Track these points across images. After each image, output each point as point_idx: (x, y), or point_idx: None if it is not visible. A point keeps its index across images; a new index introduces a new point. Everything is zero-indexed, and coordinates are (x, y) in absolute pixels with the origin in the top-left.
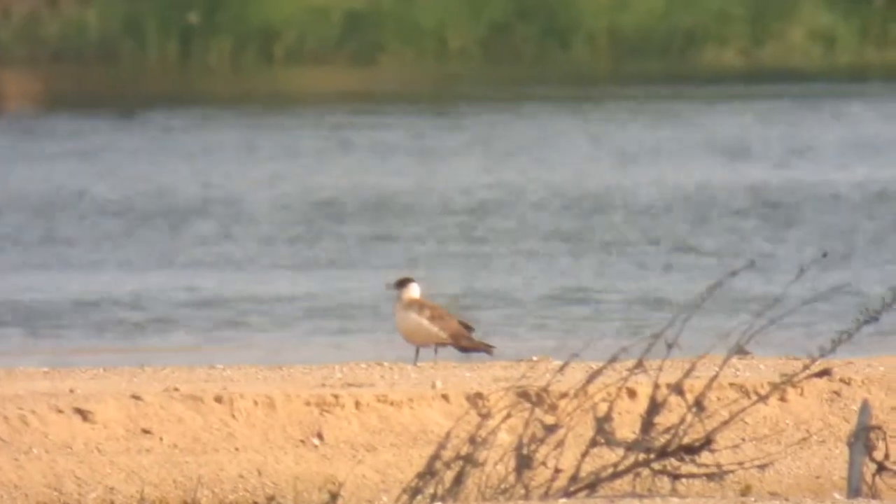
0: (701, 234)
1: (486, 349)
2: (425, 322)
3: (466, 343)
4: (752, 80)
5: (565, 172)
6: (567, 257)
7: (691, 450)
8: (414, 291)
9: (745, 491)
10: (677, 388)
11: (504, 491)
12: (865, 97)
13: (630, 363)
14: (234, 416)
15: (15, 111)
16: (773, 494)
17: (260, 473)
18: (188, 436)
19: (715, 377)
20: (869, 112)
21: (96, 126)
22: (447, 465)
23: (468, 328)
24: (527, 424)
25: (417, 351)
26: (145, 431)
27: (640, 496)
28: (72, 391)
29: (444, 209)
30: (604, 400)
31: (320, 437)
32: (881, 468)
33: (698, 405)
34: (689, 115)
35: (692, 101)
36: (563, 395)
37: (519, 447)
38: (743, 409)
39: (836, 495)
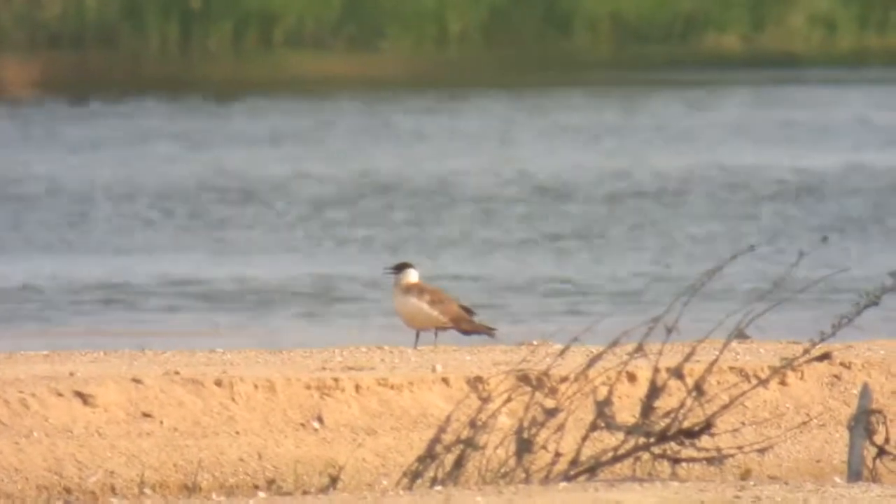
0: (702, 218)
1: (488, 332)
2: (425, 306)
3: (467, 326)
4: (753, 65)
5: (565, 159)
6: (568, 242)
7: (691, 434)
8: (412, 276)
9: (745, 475)
10: (677, 372)
11: (504, 475)
12: (866, 83)
13: (630, 347)
14: (234, 400)
15: (14, 96)
16: (773, 478)
17: (260, 457)
18: (188, 419)
19: (715, 361)
20: (870, 97)
21: (96, 111)
22: (447, 449)
23: (469, 312)
24: (527, 408)
25: (417, 335)
26: (146, 415)
27: (641, 480)
28: (72, 374)
29: (444, 194)
30: (604, 384)
31: (320, 420)
32: (881, 452)
33: (698, 389)
34: (690, 99)
35: (693, 86)
36: (564, 379)
37: (519, 431)
38: (743, 394)
39: (837, 479)
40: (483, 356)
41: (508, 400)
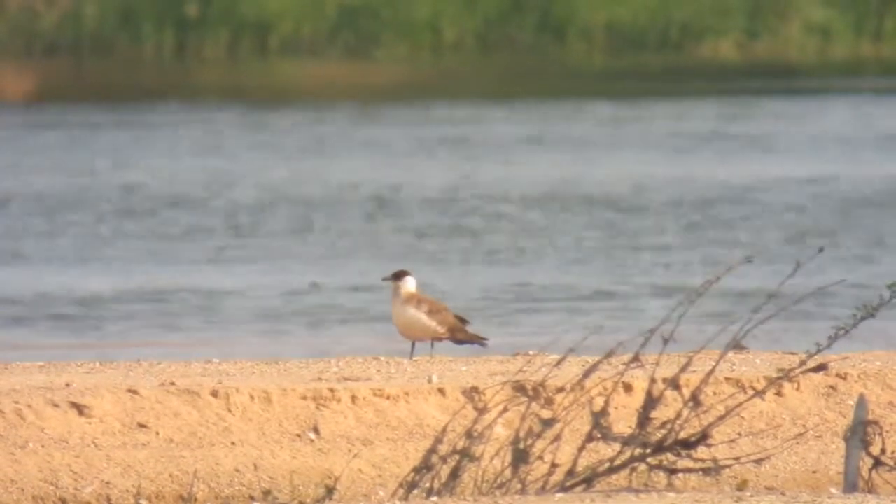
0: (696, 228)
1: (480, 342)
2: (424, 317)
3: (462, 336)
4: (748, 73)
5: (559, 168)
6: (563, 252)
7: (687, 444)
8: (410, 285)
9: (742, 486)
10: (673, 383)
11: (500, 485)
12: (861, 91)
13: (626, 357)
14: (230, 411)
15: (10, 104)
16: (770, 489)
17: (256, 468)
18: (184, 430)
19: (711, 372)
20: (865, 106)
21: (91, 119)
22: (443, 460)
23: (463, 321)
24: (523, 419)
25: (413, 345)
26: (141, 426)
27: (637, 491)
28: (68, 385)
29: (440, 203)
30: (600, 394)
31: (316, 431)
32: (877, 463)
33: (694, 400)
34: (686, 108)
35: (688, 95)
36: (560, 390)
37: (515, 441)
38: (739, 404)
39: (833, 490)
40: (479, 367)
41: (504, 410)
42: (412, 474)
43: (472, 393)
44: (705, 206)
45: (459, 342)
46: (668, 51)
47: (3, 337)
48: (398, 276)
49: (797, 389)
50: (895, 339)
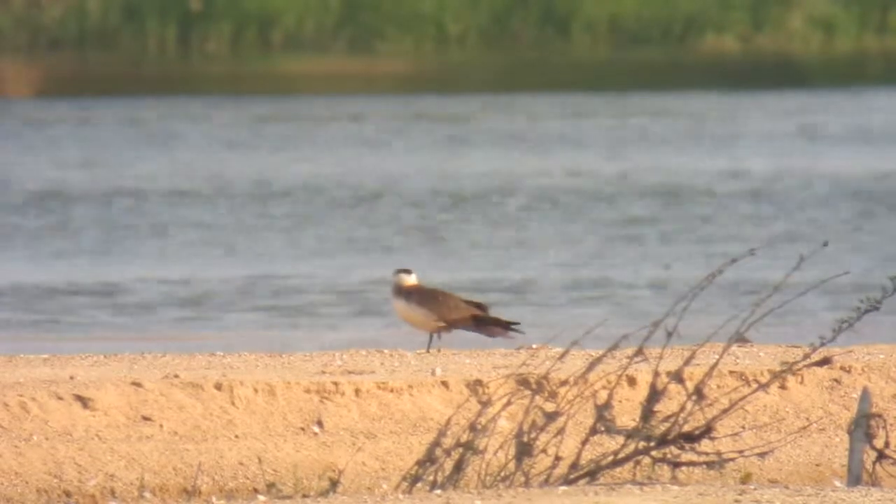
0: (699, 222)
1: (495, 333)
2: (417, 308)
3: (471, 324)
4: (752, 67)
5: (559, 161)
6: (567, 245)
7: (691, 438)
8: (408, 279)
9: (746, 479)
10: (677, 376)
11: (504, 478)
12: (864, 85)
13: (630, 351)
14: (234, 404)
15: (14, 98)
16: (773, 482)
17: (260, 461)
18: (188, 423)
19: (715, 365)
20: (869, 99)
21: (96, 113)
22: (447, 453)
23: (480, 307)
24: (527, 412)
25: (431, 337)
26: (145, 418)
27: (641, 484)
28: (72, 378)
29: (443, 196)
30: (604, 388)
31: (320, 424)
32: (881, 456)
33: (698, 393)
34: (688, 102)
35: (691, 89)
36: (564, 383)
37: (519, 435)
38: (743, 398)
39: (837, 483)
40: (483, 360)
41: (508, 403)
42: (416, 467)
43: (475, 386)
44: (707, 198)
45: (477, 330)
46: (672, 44)
47: (7, 329)
48: (398, 273)
49: (801, 383)
50: None
